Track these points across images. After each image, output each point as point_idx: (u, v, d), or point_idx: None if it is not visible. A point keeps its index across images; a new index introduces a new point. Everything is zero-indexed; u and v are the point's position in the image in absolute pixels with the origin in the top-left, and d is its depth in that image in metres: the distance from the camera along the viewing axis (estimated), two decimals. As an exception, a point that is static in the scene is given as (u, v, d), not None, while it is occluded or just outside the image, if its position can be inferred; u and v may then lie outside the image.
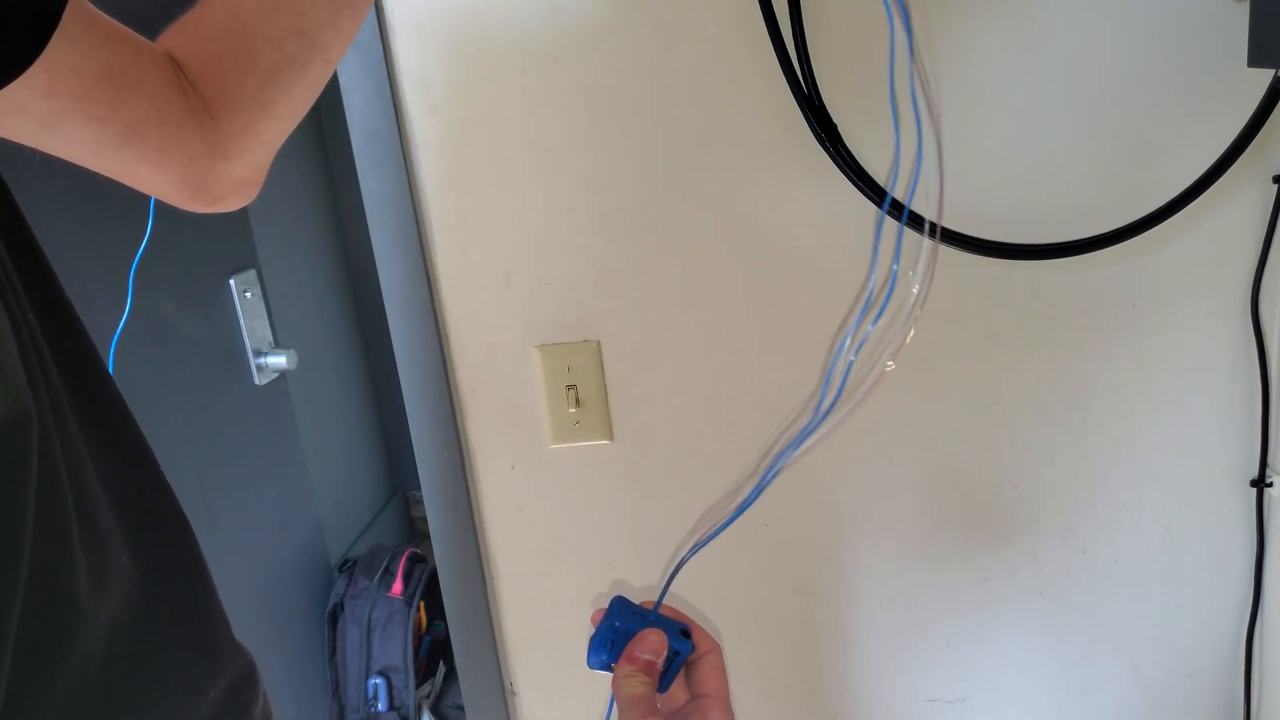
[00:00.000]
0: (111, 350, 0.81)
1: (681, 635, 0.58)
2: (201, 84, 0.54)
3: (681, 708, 0.57)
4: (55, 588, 0.40)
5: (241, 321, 1.60)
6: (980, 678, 1.03)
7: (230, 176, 0.57)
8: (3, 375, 0.38)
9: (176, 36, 0.54)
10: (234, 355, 1.61)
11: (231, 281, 1.58)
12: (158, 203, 0.77)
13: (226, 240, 1.60)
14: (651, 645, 0.57)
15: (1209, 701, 1.01)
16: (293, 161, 2.16)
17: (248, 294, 1.61)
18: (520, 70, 0.86)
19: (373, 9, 0.85)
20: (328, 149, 2.36)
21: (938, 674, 1.04)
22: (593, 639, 0.60)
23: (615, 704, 0.56)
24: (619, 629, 0.58)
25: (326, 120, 2.30)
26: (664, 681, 0.58)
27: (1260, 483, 0.92)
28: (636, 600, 0.61)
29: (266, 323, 1.67)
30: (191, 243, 1.48)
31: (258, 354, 1.63)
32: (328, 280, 2.35)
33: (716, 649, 0.59)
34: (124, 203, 0.86)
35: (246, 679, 0.53)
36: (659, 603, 0.61)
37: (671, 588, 0.62)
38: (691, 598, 1.02)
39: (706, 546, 0.98)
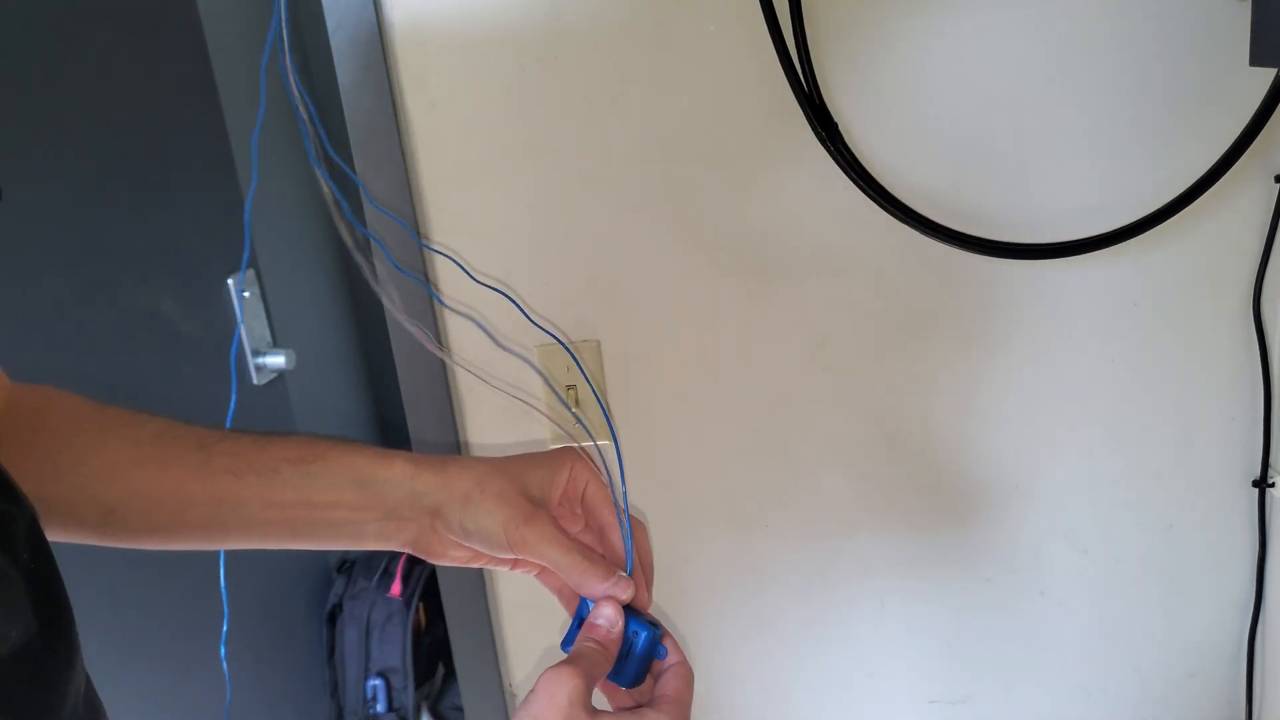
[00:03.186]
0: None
1: (649, 625, 0.59)
2: None
3: (637, 705, 0.57)
4: None
5: (240, 321, 1.59)
6: (982, 679, 1.03)
7: None
8: None
9: None
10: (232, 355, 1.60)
11: (230, 281, 1.57)
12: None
13: (225, 239, 1.59)
14: (606, 614, 0.57)
15: (1210, 702, 1.01)
16: (291, 160, 2.15)
17: (246, 293, 1.61)
18: (519, 69, 0.86)
19: (373, 7, 0.85)
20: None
21: (939, 675, 1.04)
22: (569, 629, 0.61)
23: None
24: (589, 606, 0.60)
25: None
26: (626, 670, 0.58)
27: (1262, 483, 0.92)
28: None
29: (265, 322, 1.67)
30: (190, 242, 1.48)
31: (256, 354, 1.63)
32: (327, 280, 2.34)
33: (685, 662, 0.60)
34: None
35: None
36: (628, 568, 0.61)
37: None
38: (691, 598, 1.01)
39: (706, 546, 0.97)
